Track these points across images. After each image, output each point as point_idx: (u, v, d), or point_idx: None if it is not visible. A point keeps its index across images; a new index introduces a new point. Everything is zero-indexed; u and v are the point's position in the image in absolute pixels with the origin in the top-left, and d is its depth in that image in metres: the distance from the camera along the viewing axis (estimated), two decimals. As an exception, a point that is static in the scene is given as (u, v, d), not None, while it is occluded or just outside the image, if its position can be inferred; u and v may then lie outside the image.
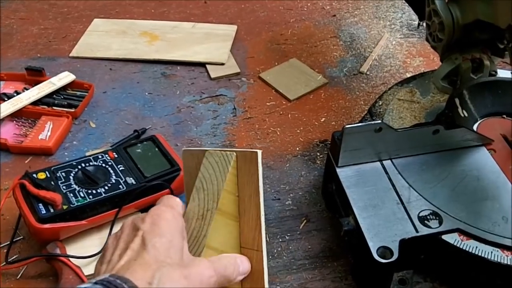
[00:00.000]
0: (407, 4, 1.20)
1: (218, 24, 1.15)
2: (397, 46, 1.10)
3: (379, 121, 0.68)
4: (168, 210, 0.49)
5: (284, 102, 0.96)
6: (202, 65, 1.04)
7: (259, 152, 0.54)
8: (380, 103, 0.83)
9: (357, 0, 1.24)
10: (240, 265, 0.51)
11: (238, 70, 1.02)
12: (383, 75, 1.02)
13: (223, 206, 0.54)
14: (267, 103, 0.96)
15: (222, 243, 0.54)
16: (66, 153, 0.85)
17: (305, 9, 1.21)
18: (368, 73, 1.03)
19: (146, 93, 0.98)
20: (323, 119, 0.92)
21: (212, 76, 1.01)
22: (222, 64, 1.04)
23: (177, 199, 0.53)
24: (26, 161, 0.83)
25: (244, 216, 0.55)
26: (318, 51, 1.08)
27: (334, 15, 1.19)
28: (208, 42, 1.09)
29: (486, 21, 0.71)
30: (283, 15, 1.19)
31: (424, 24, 0.85)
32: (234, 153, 0.55)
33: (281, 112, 0.94)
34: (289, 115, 0.93)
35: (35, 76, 0.96)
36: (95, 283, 0.40)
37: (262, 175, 0.54)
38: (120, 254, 0.45)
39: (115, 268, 0.43)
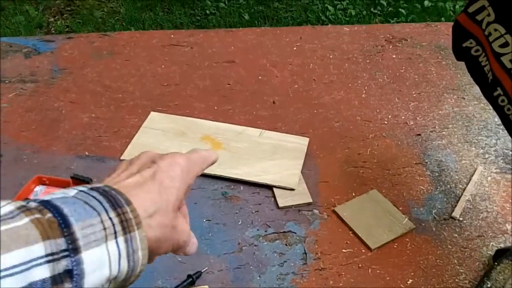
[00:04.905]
0: (501, 127, 1.06)
1: (288, 134, 1.02)
2: (493, 184, 0.95)
3: None
4: (185, 162, 0.48)
5: (363, 251, 0.82)
6: (269, 187, 0.91)
7: None
8: (489, 285, 0.69)
9: (444, 117, 1.10)
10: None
11: (310, 200, 0.89)
12: (478, 223, 0.87)
13: None
14: (343, 250, 0.82)
15: None
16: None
17: (386, 122, 1.08)
18: (461, 218, 0.88)
19: (204, 220, 0.85)
20: (410, 280, 0.78)
21: (280, 204, 0.88)
22: (292, 189, 0.90)
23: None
24: None
25: None
26: (402, 182, 0.94)
27: (419, 134, 1.05)
28: (276, 158, 0.96)
29: None
30: (361, 128, 1.06)
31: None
32: None
33: (360, 265, 0.80)
34: (370, 270, 0.79)
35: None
36: (91, 189, 0.39)
37: None
38: (128, 176, 0.45)
39: (119, 184, 0.43)
